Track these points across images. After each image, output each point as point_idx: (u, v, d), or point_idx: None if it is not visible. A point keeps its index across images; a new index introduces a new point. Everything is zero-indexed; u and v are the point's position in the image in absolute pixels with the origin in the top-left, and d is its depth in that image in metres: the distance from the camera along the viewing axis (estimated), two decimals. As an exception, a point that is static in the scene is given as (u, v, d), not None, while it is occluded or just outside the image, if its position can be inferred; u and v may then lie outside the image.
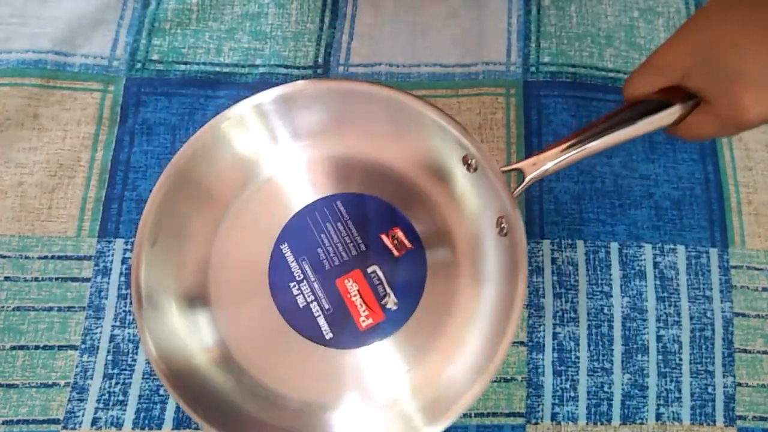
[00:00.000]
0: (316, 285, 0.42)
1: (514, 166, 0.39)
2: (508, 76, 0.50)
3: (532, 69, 0.50)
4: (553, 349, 0.44)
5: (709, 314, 0.45)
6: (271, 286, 0.42)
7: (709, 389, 0.44)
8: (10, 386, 0.43)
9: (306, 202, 0.44)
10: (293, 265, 0.43)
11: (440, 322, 0.42)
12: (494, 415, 0.43)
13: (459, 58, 0.51)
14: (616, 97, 0.49)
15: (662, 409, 0.43)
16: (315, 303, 0.42)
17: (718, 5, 0.36)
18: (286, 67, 0.50)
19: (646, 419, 0.43)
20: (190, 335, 0.40)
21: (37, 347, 0.43)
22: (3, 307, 0.44)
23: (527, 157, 0.39)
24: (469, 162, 0.40)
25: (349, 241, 0.43)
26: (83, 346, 0.44)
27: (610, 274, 0.46)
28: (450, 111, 0.49)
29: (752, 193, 0.48)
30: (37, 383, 0.43)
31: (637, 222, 0.47)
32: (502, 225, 0.39)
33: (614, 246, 0.46)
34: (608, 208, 0.47)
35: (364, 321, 0.42)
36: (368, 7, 0.52)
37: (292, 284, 0.42)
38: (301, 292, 0.42)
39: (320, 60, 0.50)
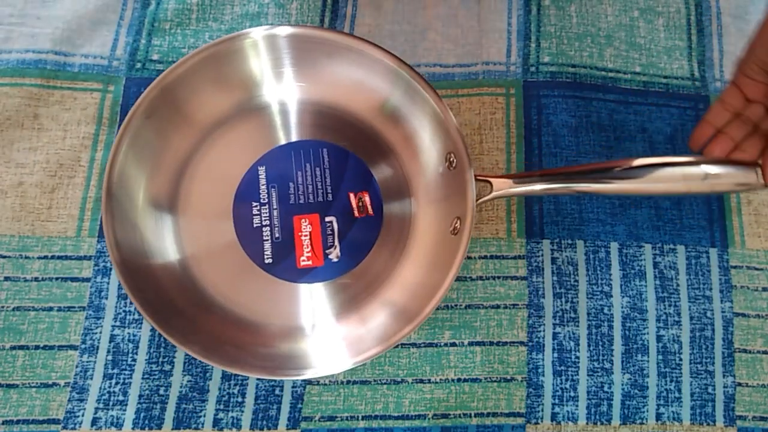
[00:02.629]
0: (275, 213, 0.44)
1: (486, 178, 0.41)
2: (508, 76, 0.50)
3: (532, 69, 0.50)
4: (553, 349, 0.44)
5: (709, 314, 0.45)
6: (235, 198, 0.45)
7: (709, 389, 0.44)
8: (10, 386, 0.43)
9: (297, 138, 0.46)
10: (263, 187, 0.45)
11: (371, 286, 0.44)
12: (494, 415, 0.43)
13: (459, 58, 0.51)
14: (616, 97, 0.49)
15: (662, 409, 0.43)
16: (268, 228, 0.44)
17: None
18: (286, 67, 0.50)
19: (646, 419, 0.43)
20: (151, 234, 0.43)
21: (37, 347, 0.43)
22: (3, 307, 0.44)
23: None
24: (450, 161, 0.42)
25: (320, 187, 0.45)
26: (83, 346, 0.44)
27: (610, 274, 0.46)
28: (450, 111, 0.49)
29: (752, 193, 0.48)
30: (37, 383, 0.43)
31: (637, 222, 0.47)
32: (456, 224, 0.41)
33: (614, 246, 0.46)
34: (608, 208, 0.47)
35: (303, 260, 0.44)
36: (368, 7, 0.52)
37: (254, 204, 0.45)
38: (260, 214, 0.44)
39: (320, 60, 0.50)
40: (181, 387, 0.43)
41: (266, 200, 0.45)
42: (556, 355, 0.44)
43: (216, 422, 0.42)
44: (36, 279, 0.45)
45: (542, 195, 0.44)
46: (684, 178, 0.38)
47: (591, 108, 0.49)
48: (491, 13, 0.52)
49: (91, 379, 0.43)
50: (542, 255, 0.46)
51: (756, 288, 0.46)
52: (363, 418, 0.43)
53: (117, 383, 0.43)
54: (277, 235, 0.44)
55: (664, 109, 0.49)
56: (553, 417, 0.43)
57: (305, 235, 0.44)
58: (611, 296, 0.45)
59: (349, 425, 0.43)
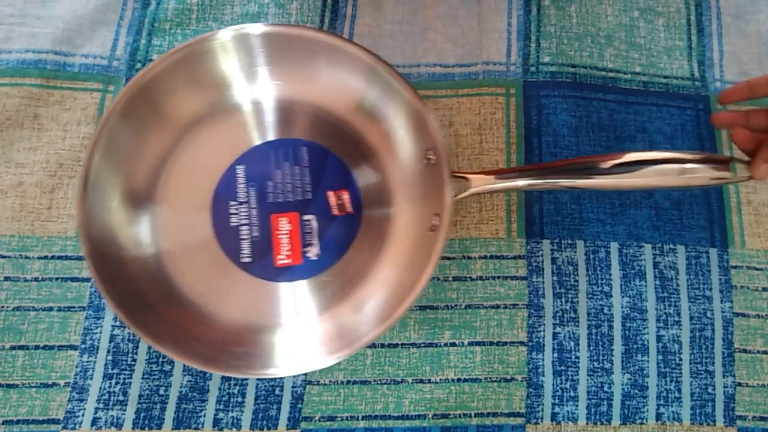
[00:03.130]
0: (254, 212, 0.45)
1: (464, 174, 0.41)
2: (508, 76, 0.50)
3: (532, 69, 0.50)
4: (553, 349, 0.44)
5: (709, 314, 0.45)
6: (213, 198, 0.45)
7: (709, 389, 0.44)
8: (10, 386, 0.43)
9: (276, 136, 0.46)
10: (241, 186, 0.45)
11: (349, 284, 0.44)
12: (494, 415, 0.43)
13: (459, 58, 0.51)
14: (616, 97, 0.49)
15: (662, 409, 0.43)
16: (246, 227, 0.44)
17: None
18: (286, 67, 0.50)
19: (646, 419, 0.43)
20: (126, 231, 0.43)
21: (37, 347, 0.43)
22: (3, 307, 0.44)
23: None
24: (429, 158, 0.42)
25: (299, 186, 0.45)
26: (83, 346, 0.44)
27: (610, 274, 0.46)
28: (450, 111, 0.49)
29: (752, 193, 0.48)
30: (37, 383, 0.43)
31: (637, 222, 0.47)
32: (434, 222, 0.41)
33: (614, 246, 0.46)
34: (608, 208, 0.47)
35: (281, 259, 0.44)
36: (368, 7, 0.52)
37: (232, 203, 0.45)
38: (238, 213, 0.44)
39: (320, 60, 0.50)
40: (181, 387, 0.43)
41: (245, 199, 0.45)
42: (556, 355, 0.44)
43: (216, 422, 0.42)
44: (36, 279, 0.45)
45: (523, 190, 0.44)
46: (661, 173, 0.39)
47: (591, 108, 0.49)
48: (491, 13, 0.52)
49: (91, 379, 0.43)
50: (542, 255, 0.46)
51: (756, 288, 0.46)
52: (363, 418, 0.43)
53: (117, 383, 0.43)
54: (255, 234, 0.44)
55: (664, 109, 0.49)
56: (553, 417, 0.43)
57: (284, 234, 0.44)
58: (611, 296, 0.45)
59: (349, 425, 0.43)
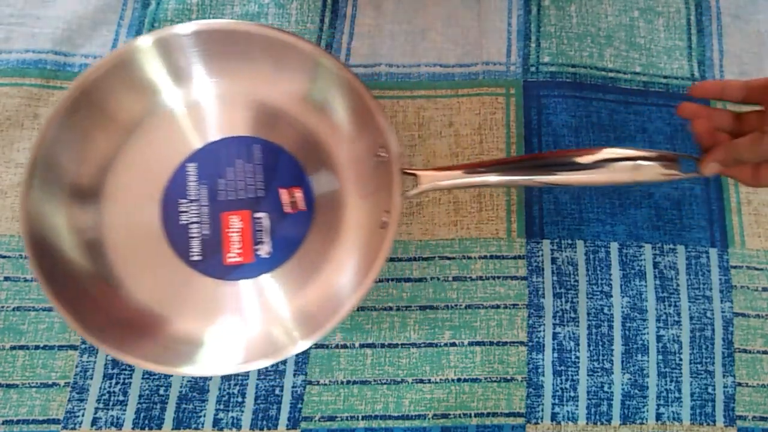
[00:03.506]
0: (204, 210, 0.44)
1: (413, 171, 0.40)
2: (508, 76, 0.50)
3: (532, 69, 0.50)
4: (553, 349, 0.44)
5: (709, 314, 0.45)
6: (163, 196, 0.44)
7: (709, 389, 0.44)
8: (10, 386, 0.43)
9: (228, 134, 0.46)
10: (192, 184, 0.45)
11: (302, 283, 0.43)
12: (494, 415, 0.43)
13: (459, 58, 0.51)
14: (616, 97, 0.49)
15: (662, 409, 0.43)
16: (196, 225, 0.44)
17: None
18: (286, 67, 0.50)
19: (646, 419, 0.43)
20: (72, 225, 0.42)
21: (37, 347, 0.43)
22: (3, 307, 0.44)
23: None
24: (380, 154, 0.42)
25: (251, 183, 0.45)
26: (83, 346, 0.44)
27: (610, 274, 0.46)
28: (450, 111, 0.49)
29: (752, 193, 0.48)
30: (37, 383, 0.43)
31: (637, 222, 0.47)
32: (383, 220, 0.41)
33: (614, 246, 0.46)
34: (608, 208, 0.47)
35: (232, 257, 0.44)
36: (368, 7, 0.52)
37: (183, 201, 0.44)
38: (188, 211, 0.44)
39: (320, 60, 0.50)
40: (181, 387, 0.43)
41: (195, 197, 0.44)
42: (556, 355, 0.44)
43: (216, 422, 0.42)
44: (35, 279, 0.44)
45: (476, 186, 0.44)
46: (613, 170, 0.39)
47: (591, 108, 0.49)
48: (491, 13, 0.52)
49: (91, 379, 0.43)
50: (542, 255, 0.46)
51: (756, 288, 0.46)
52: (363, 418, 0.43)
53: (117, 383, 0.43)
54: (205, 232, 0.44)
55: (664, 109, 0.49)
56: (553, 417, 0.43)
57: (235, 232, 0.44)
58: (611, 296, 0.45)
59: (349, 425, 0.43)
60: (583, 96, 0.50)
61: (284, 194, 0.44)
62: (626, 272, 0.46)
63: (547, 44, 0.51)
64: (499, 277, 0.45)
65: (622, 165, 0.39)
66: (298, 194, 0.45)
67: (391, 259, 0.46)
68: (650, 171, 0.40)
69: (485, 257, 0.46)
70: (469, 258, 0.46)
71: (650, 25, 0.52)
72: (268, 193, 0.45)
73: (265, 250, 0.44)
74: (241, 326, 0.43)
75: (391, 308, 0.45)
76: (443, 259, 0.46)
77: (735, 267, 0.46)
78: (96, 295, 0.41)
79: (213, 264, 0.43)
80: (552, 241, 0.46)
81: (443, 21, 0.52)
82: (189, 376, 0.43)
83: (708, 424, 0.43)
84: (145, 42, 0.42)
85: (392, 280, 0.45)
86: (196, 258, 0.44)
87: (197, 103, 0.46)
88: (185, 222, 0.44)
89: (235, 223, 0.44)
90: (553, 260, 0.46)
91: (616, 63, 0.51)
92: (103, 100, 0.43)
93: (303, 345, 0.37)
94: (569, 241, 0.46)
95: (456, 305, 0.45)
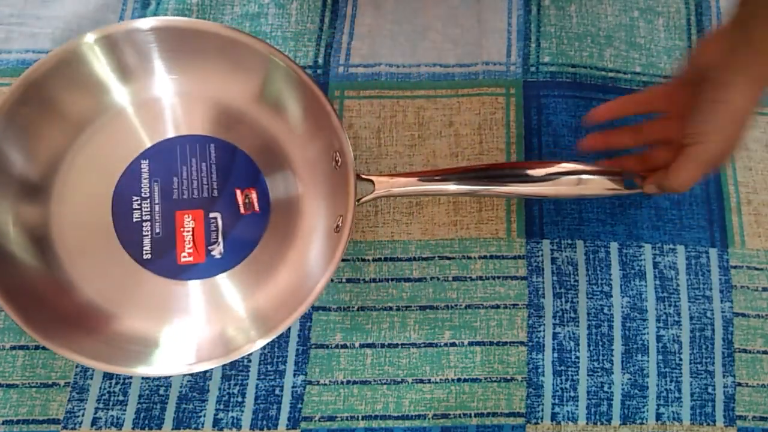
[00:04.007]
0: (157, 208, 0.44)
1: (369, 177, 0.41)
2: (508, 76, 0.50)
3: (532, 69, 0.50)
4: (553, 349, 0.44)
5: (709, 314, 0.45)
6: (115, 193, 0.44)
7: (709, 389, 0.44)
8: (10, 386, 0.43)
9: (183, 132, 0.46)
10: (145, 182, 0.44)
11: (256, 283, 0.43)
12: (494, 415, 0.43)
13: (459, 58, 0.51)
14: (616, 97, 0.49)
15: (662, 409, 0.43)
16: (148, 223, 0.44)
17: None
18: (286, 67, 0.50)
19: (646, 419, 0.43)
20: (20, 222, 0.42)
21: (37, 347, 0.43)
22: (3, 307, 0.44)
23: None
24: (336, 159, 0.42)
25: (205, 183, 0.45)
26: (83, 346, 0.44)
27: (610, 274, 0.46)
28: (450, 111, 0.49)
29: (752, 193, 0.48)
30: (37, 383, 0.43)
31: (637, 222, 0.47)
32: (339, 222, 0.41)
33: (614, 246, 0.46)
34: (608, 208, 0.47)
35: (184, 257, 0.43)
36: (368, 7, 0.52)
37: (135, 198, 0.44)
38: (140, 209, 0.44)
39: (320, 60, 0.50)
40: (181, 387, 0.43)
41: (147, 195, 0.44)
42: (556, 355, 0.44)
43: (216, 422, 0.42)
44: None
45: (432, 195, 0.44)
46: (560, 184, 0.41)
47: (591, 108, 0.49)
48: (491, 13, 0.52)
49: (91, 379, 0.43)
50: (542, 255, 0.46)
51: (756, 288, 0.46)
52: (363, 418, 0.43)
53: (117, 383, 0.43)
54: (157, 231, 0.44)
55: (664, 109, 0.49)
56: (553, 417, 0.43)
57: (187, 231, 0.44)
58: (611, 296, 0.45)
59: (349, 425, 0.43)
60: (583, 96, 0.50)
61: (240, 195, 0.44)
62: (626, 272, 0.46)
63: (547, 44, 0.51)
64: (499, 277, 0.45)
65: (567, 179, 0.41)
66: (253, 195, 0.44)
67: (391, 259, 0.46)
68: (595, 185, 0.42)
69: (485, 257, 0.46)
70: (469, 258, 0.46)
71: (650, 25, 0.52)
72: (222, 193, 0.44)
73: (218, 250, 0.43)
74: (193, 326, 0.42)
75: (391, 308, 0.45)
76: (443, 259, 0.46)
77: (735, 267, 0.46)
78: (43, 291, 0.41)
79: (165, 263, 0.43)
80: (552, 241, 0.46)
81: (443, 21, 0.52)
82: (141, 375, 0.43)
83: (708, 424, 0.43)
84: (90, 38, 0.42)
85: (392, 280, 0.45)
86: (147, 256, 0.43)
87: (154, 100, 0.46)
88: (137, 220, 0.44)
89: (188, 222, 0.44)
90: (553, 260, 0.46)
91: (616, 63, 0.51)
92: (52, 96, 0.43)
93: (260, 343, 0.37)
94: (569, 241, 0.46)
95: (456, 305, 0.45)
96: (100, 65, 0.43)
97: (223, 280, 0.43)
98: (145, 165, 0.45)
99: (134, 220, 0.44)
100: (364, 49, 0.51)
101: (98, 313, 0.42)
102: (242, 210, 0.44)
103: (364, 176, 0.41)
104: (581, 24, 0.52)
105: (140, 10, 0.51)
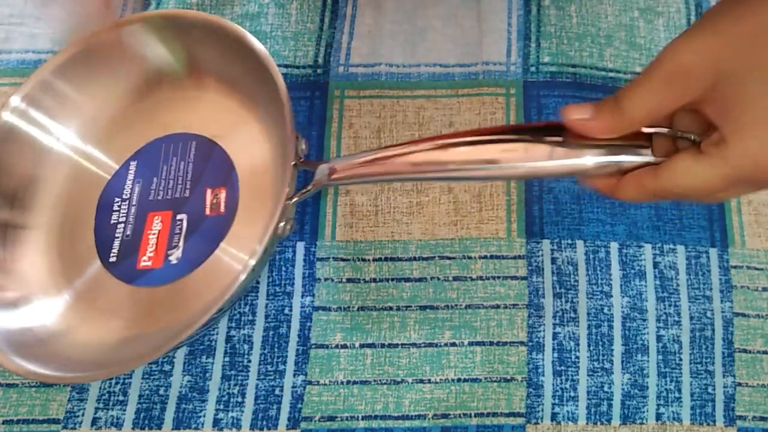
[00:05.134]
0: (133, 210, 0.43)
1: (307, 167, 0.38)
2: (508, 76, 0.50)
3: (532, 69, 0.50)
4: (553, 349, 0.44)
5: (709, 314, 0.45)
6: (102, 195, 0.44)
7: (709, 389, 0.44)
8: (10, 386, 0.43)
9: (170, 132, 0.45)
10: (129, 183, 0.44)
11: (197, 297, 0.40)
12: (494, 415, 0.43)
13: (459, 58, 0.51)
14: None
15: (662, 409, 0.43)
16: (122, 225, 0.43)
17: None
18: (286, 66, 0.50)
19: (646, 419, 0.43)
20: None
21: (37, 347, 0.43)
22: (3, 307, 0.44)
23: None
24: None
25: (180, 182, 0.43)
26: (83, 346, 0.44)
27: (610, 274, 0.46)
28: (450, 111, 0.49)
29: (753, 193, 0.48)
30: (37, 383, 0.43)
31: (637, 222, 0.47)
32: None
33: (614, 246, 0.46)
34: (608, 208, 0.47)
35: (144, 261, 0.41)
36: (368, 7, 0.52)
37: (117, 200, 0.44)
38: (119, 211, 0.43)
39: (320, 60, 0.50)
40: (180, 387, 0.43)
41: (128, 196, 0.43)
42: (556, 355, 0.44)
43: (216, 422, 0.42)
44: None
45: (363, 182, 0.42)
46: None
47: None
48: (491, 13, 0.52)
49: (91, 379, 0.43)
50: (542, 255, 0.46)
51: (756, 288, 0.46)
52: (363, 418, 0.43)
53: (117, 383, 0.43)
54: (127, 233, 0.42)
55: (664, 109, 0.49)
56: (553, 417, 0.43)
57: (153, 234, 0.42)
58: (611, 296, 0.45)
59: (349, 425, 0.43)
60: (583, 96, 0.50)
61: (209, 195, 0.42)
62: (626, 272, 0.46)
63: (547, 44, 0.51)
64: (499, 277, 0.45)
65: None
66: (222, 195, 0.42)
67: (391, 259, 0.46)
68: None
69: (485, 257, 0.46)
70: (470, 258, 0.46)
71: (650, 25, 0.52)
72: (194, 192, 0.43)
73: (175, 255, 0.41)
74: (131, 331, 0.41)
75: (391, 308, 0.45)
76: (443, 259, 0.46)
77: (735, 267, 0.46)
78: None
79: (127, 267, 0.42)
80: (552, 241, 0.46)
81: (443, 21, 0.52)
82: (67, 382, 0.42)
83: (708, 424, 0.43)
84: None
85: (392, 280, 0.45)
86: (113, 259, 0.42)
87: (148, 101, 0.46)
88: (115, 221, 0.43)
89: (156, 224, 0.42)
90: (553, 260, 0.46)
91: (616, 63, 0.51)
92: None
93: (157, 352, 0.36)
94: (569, 241, 0.46)
95: (456, 305, 0.45)
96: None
97: (174, 286, 0.41)
98: (133, 166, 0.44)
99: (112, 221, 0.43)
100: (364, 49, 0.51)
101: (62, 316, 0.41)
102: (207, 211, 0.42)
103: (301, 163, 0.37)
104: (581, 24, 0.52)
105: (140, 10, 0.51)
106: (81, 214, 0.44)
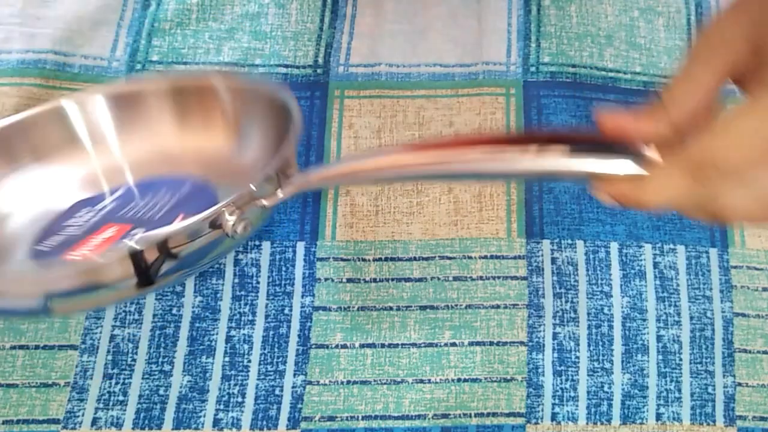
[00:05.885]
0: (95, 219, 0.43)
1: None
2: (508, 76, 0.50)
3: (532, 69, 0.50)
4: (553, 349, 0.44)
5: (709, 314, 0.45)
6: (78, 202, 0.44)
7: (709, 389, 0.44)
8: (10, 386, 0.43)
9: (175, 170, 0.45)
10: (107, 200, 0.44)
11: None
12: (494, 415, 0.43)
13: (459, 58, 0.51)
14: (617, 97, 0.49)
15: (662, 409, 0.43)
16: (75, 227, 0.42)
17: None
18: (286, 66, 0.50)
19: (646, 419, 0.43)
20: None
21: (37, 347, 0.43)
22: (3, 307, 0.44)
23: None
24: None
25: (156, 208, 0.42)
26: (83, 346, 0.44)
27: (610, 274, 0.46)
28: (450, 111, 0.49)
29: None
30: (37, 383, 0.43)
31: (637, 222, 0.47)
32: None
33: (614, 246, 0.46)
34: (608, 208, 0.47)
35: (72, 255, 0.40)
36: (368, 7, 0.52)
37: (86, 209, 0.44)
38: (81, 217, 0.43)
39: (320, 60, 0.50)
40: (180, 387, 0.43)
41: (99, 209, 0.43)
42: (556, 355, 0.44)
43: (216, 422, 0.42)
44: None
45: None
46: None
47: (591, 108, 0.49)
48: (491, 13, 0.52)
49: (91, 379, 0.43)
50: (542, 255, 0.46)
51: (756, 288, 0.46)
52: (363, 418, 0.43)
53: (117, 383, 0.43)
54: (76, 233, 0.42)
55: (664, 109, 0.49)
56: (553, 417, 0.43)
57: (98, 236, 0.41)
58: (611, 296, 0.45)
59: (349, 425, 0.43)
60: (583, 96, 0.50)
61: (178, 219, 0.41)
62: (626, 272, 0.46)
63: (547, 44, 0.51)
64: (499, 277, 0.45)
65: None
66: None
67: (392, 259, 0.46)
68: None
69: (485, 257, 0.46)
70: (470, 258, 0.46)
71: (650, 25, 0.52)
72: (164, 217, 0.42)
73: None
74: None
75: (391, 308, 0.45)
76: (443, 259, 0.46)
77: (735, 267, 0.46)
78: None
79: (50, 255, 0.41)
80: (552, 241, 0.46)
81: (443, 21, 0.52)
82: None
83: (708, 424, 0.43)
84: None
85: (392, 280, 0.45)
86: (43, 248, 0.41)
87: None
88: (68, 224, 0.43)
89: (108, 232, 0.41)
90: (553, 260, 0.46)
91: (617, 63, 0.51)
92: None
93: None
94: (569, 241, 0.46)
95: (456, 305, 0.45)
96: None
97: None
98: (122, 190, 0.45)
99: (66, 223, 0.43)
100: (364, 49, 0.51)
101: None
102: None
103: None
104: (581, 24, 0.52)
105: (140, 10, 0.51)
106: (48, 210, 0.44)
